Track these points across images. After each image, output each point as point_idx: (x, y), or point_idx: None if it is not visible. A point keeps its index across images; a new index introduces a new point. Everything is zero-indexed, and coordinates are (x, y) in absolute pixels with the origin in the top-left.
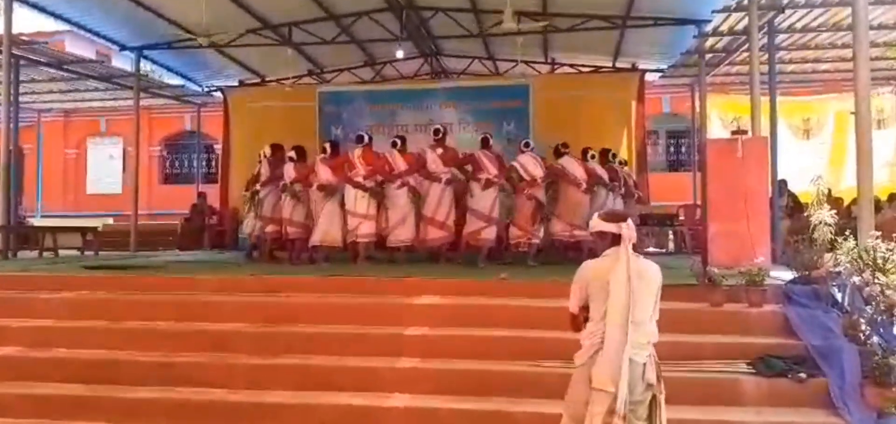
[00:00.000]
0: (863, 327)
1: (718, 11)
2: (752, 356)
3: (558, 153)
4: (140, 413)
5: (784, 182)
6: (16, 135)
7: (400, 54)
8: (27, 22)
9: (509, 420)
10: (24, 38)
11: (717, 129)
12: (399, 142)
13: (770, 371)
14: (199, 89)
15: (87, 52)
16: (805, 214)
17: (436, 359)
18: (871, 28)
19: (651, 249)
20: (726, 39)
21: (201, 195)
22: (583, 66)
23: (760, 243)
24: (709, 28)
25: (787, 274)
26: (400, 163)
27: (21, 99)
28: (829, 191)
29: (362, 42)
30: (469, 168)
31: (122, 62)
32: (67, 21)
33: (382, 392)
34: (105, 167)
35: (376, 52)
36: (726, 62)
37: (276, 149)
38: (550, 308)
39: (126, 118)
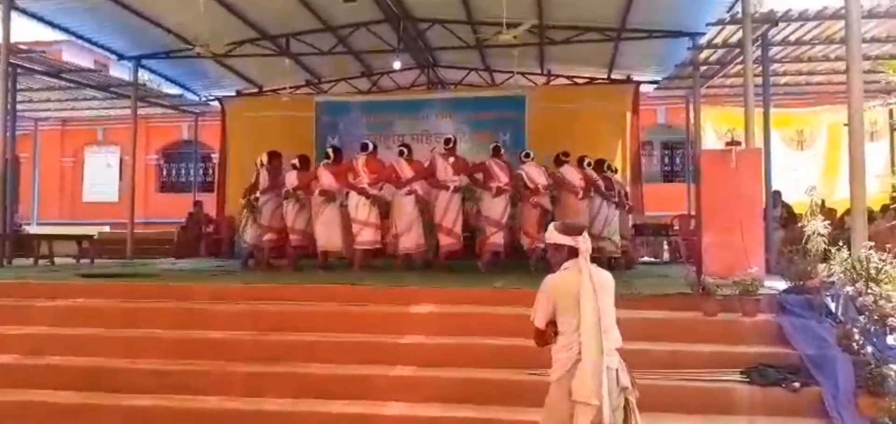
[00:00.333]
0: (856, 337)
1: (712, 24)
2: (746, 365)
3: (559, 162)
4: (136, 421)
5: (778, 193)
6: (13, 143)
7: (397, 65)
8: (25, 31)
9: None
10: (21, 46)
11: (711, 141)
12: (405, 150)
13: (764, 380)
14: (197, 99)
15: (84, 61)
16: (799, 225)
17: (432, 368)
18: (864, 41)
19: (646, 259)
20: (720, 52)
21: (198, 203)
22: (578, 77)
23: (754, 253)
24: (703, 40)
25: (781, 284)
26: (407, 171)
27: (18, 107)
28: (823, 201)
29: (359, 53)
30: (479, 176)
31: (119, 71)
32: (65, 30)
33: (378, 400)
34: (102, 175)
35: (373, 63)
36: (720, 74)
37: (273, 156)
38: None
39: (123, 127)
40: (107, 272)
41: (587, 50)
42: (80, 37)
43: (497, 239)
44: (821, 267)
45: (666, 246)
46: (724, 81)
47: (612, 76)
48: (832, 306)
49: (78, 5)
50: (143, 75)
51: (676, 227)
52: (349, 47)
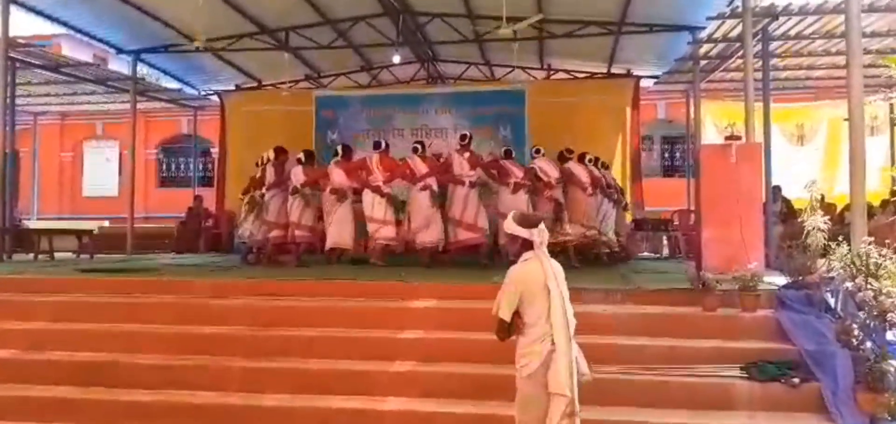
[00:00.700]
0: (856, 332)
1: (713, 18)
2: (745, 361)
3: (563, 158)
4: (136, 416)
5: (778, 187)
6: (12, 137)
7: (396, 59)
8: (24, 25)
9: None
10: (20, 41)
11: (711, 135)
12: (420, 147)
13: (763, 375)
14: (196, 93)
15: (83, 55)
16: (798, 220)
17: (431, 363)
18: (865, 35)
19: (646, 254)
20: (720, 46)
21: (197, 198)
22: (578, 71)
23: (754, 248)
24: (703, 35)
25: (781, 280)
26: (421, 167)
27: (17, 101)
28: (823, 196)
29: (359, 47)
30: (494, 173)
31: (118, 65)
32: (64, 24)
33: (377, 395)
34: (101, 170)
35: (373, 57)
36: (721, 68)
37: (280, 152)
38: None
39: (122, 121)
40: (106, 267)
41: (587, 44)
42: (79, 31)
43: None
44: (820, 262)
45: (665, 242)
46: (725, 76)
47: (612, 70)
48: (832, 301)
49: None
50: (142, 69)
51: (676, 222)
52: (349, 41)
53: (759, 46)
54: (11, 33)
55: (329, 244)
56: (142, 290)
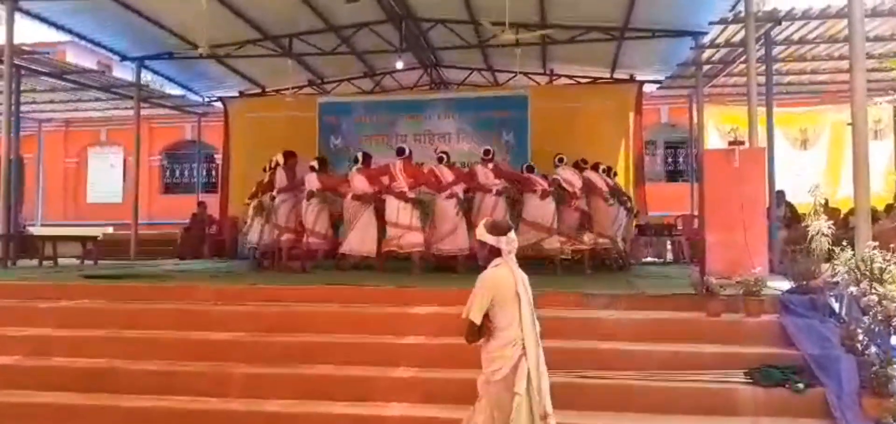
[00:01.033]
0: (860, 337)
1: (716, 23)
2: (749, 366)
3: (579, 167)
4: (138, 421)
5: (781, 192)
6: (17, 144)
7: (399, 65)
8: (29, 32)
9: None
10: (25, 48)
11: (714, 140)
12: (445, 156)
13: (768, 380)
14: (200, 99)
15: (87, 62)
16: (802, 224)
17: (433, 369)
18: (868, 40)
19: (649, 259)
20: (723, 51)
21: (201, 204)
22: (581, 76)
23: (758, 253)
24: (706, 40)
25: (785, 284)
26: (447, 175)
27: (22, 108)
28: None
29: (362, 53)
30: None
31: (122, 72)
32: (69, 32)
33: (379, 401)
34: (105, 176)
35: (376, 63)
36: (724, 73)
37: (289, 155)
38: (550, 317)
39: (126, 128)
40: (110, 273)
41: (590, 49)
42: (83, 38)
43: (551, 243)
44: (824, 266)
45: (669, 247)
46: (728, 80)
47: (615, 75)
48: (836, 306)
49: (81, 6)
50: (146, 76)
51: (680, 227)
52: (352, 47)
53: (762, 51)
54: (16, 41)
55: (346, 249)
56: (145, 296)
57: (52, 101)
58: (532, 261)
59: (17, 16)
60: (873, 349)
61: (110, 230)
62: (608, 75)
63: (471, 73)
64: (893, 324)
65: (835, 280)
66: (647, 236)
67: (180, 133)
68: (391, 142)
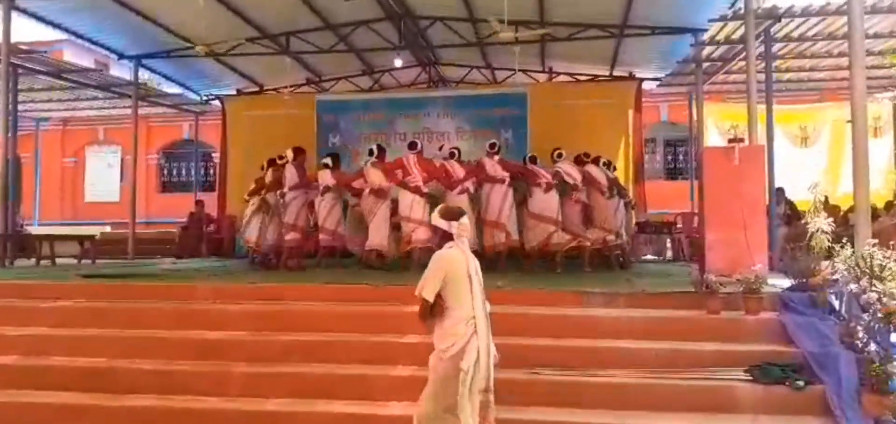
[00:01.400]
0: (860, 334)
1: (715, 20)
2: (749, 363)
3: (580, 161)
4: (137, 421)
5: (781, 189)
6: (14, 143)
7: (398, 63)
8: (26, 31)
9: None
10: (22, 47)
11: (714, 137)
12: (456, 152)
13: (767, 378)
14: (198, 98)
15: (85, 60)
16: (802, 222)
17: None
18: (867, 37)
19: (649, 257)
20: (723, 48)
21: (199, 203)
22: (580, 74)
23: (758, 251)
24: (706, 37)
25: (785, 282)
26: (459, 171)
27: (19, 107)
28: (826, 198)
29: (360, 51)
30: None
31: (120, 71)
32: (66, 30)
33: (379, 400)
34: (103, 175)
35: (374, 61)
36: (723, 70)
37: (299, 151)
38: (548, 315)
39: (124, 127)
40: (108, 272)
41: (589, 47)
42: (81, 36)
43: (559, 237)
44: (824, 264)
45: (669, 244)
46: (727, 78)
47: (615, 73)
48: (836, 303)
49: (78, 5)
50: (144, 74)
51: (679, 225)
52: (350, 45)
53: (762, 48)
54: (13, 39)
55: (371, 245)
56: (143, 296)
57: (49, 100)
58: (537, 261)
59: (14, 14)
60: (873, 346)
61: (108, 229)
62: (607, 73)
63: (470, 71)
64: (893, 321)
65: (835, 277)
66: (646, 234)
67: (178, 131)
68: (390, 140)
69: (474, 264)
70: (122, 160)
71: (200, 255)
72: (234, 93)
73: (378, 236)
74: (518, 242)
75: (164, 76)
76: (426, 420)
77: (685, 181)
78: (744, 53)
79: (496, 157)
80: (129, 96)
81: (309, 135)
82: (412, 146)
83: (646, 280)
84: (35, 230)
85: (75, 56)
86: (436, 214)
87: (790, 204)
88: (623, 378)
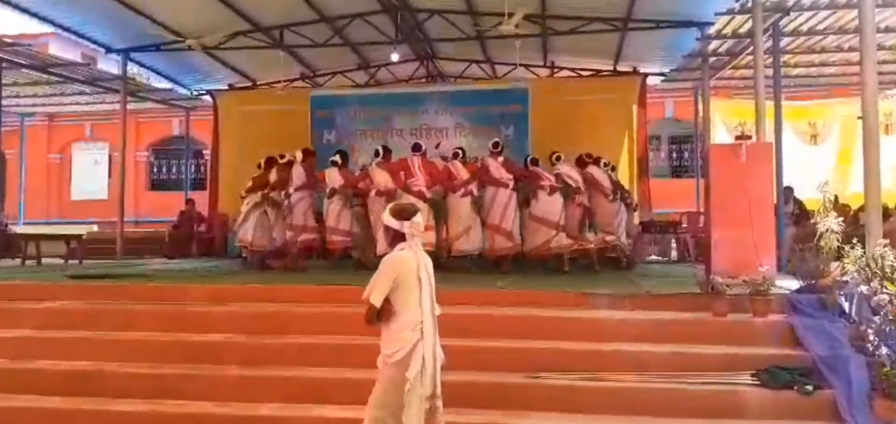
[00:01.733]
0: (871, 337)
1: (722, 13)
2: (756, 367)
3: (582, 163)
4: None
5: (790, 188)
6: None
7: (395, 57)
8: (11, 23)
9: None
10: (7, 40)
11: (721, 134)
12: (461, 152)
13: (775, 382)
14: (188, 93)
15: (72, 54)
16: (811, 221)
17: None
18: (879, 31)
19: (653, 257)
20: (730, 42)
21: (190, 201)
22: (583, 69)
23: (765, 251)
24: (712, 30)
25: (793, 283)
26: (462, 173)
27: (4, 102)
28: (836, 197)
29: (356, 45)
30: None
31: (108, 65)
32: (52, 23)
33: None
34: (90, 173)
35: (370, 55)
36: (730, 65)
37: (308, 153)
38: (550, 317)
39: (112, 122)
40: (96, 273)
41: (592, 41)
42: (68, 29)
43: (560, 240)
44: (834, 265)
45: (674, 245)
46: (734, 73)
47: (618, 68)
48: (846, 306)
49: None
50: (133, 69)
51: (685, 224)
52: (345, 39)
53: (770, 42)
54: None
55: (380, 250)
56: (132, 297)
57: (35, 95)
58: (540, 262)
59: None
60: (884, 349)
61: (95, 228)
62: (611, 68)
63: (469, 66)
64: None
65: (845, 279)
66: (651, 234)
67: (168, 128)
68: (387, 136)
69: (426, 265)
70: (109, 157)
71: (191, 255)
72: (226, 88)
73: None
74: (520, 246)
75: (154, 70)
76: None
77: (690, 179)
78: (751, 48)
79: (500, 158)
80: (117, 91)
81: (303, 132)
82: (416, 148)
83: (650, 281)
84: (20, 229)
85: (62, 49)
86: (386, 213)
87: (799, 203)
88: (626, 382)
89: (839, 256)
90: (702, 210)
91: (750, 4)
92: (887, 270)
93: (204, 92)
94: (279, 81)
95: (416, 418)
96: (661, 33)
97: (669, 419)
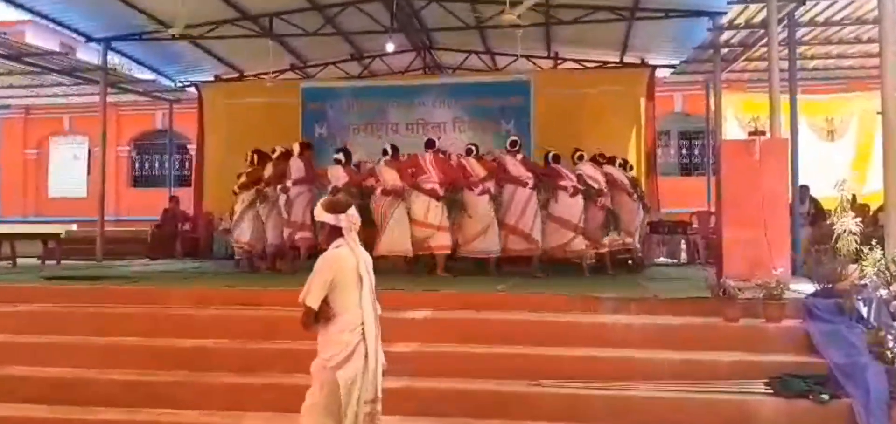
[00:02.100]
0: (890, 344)
1: (734, 2)
2: (770, 375)
3: (597, 162)
4: None
5: (805, 187)
6: None
7: (390, 47)
8: None
9: None
10: None
11: (733, 130)
12: (474, 148)
13: (789, 391)
14: (172, 84)
15: (49, 43)
16: (828, 222)
17: (426, 379)
18: None
19: (662, 259)
20: (743, 33)
21: (174, 199)
22: (588, 60)
23: (780, 253)
24: (724, 20)
25: (809, 287)
26: (478, 170)
27: None
28: (854, 196)
29: (349, 34)
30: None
31: (87, 55)
32: (28, 10)
33: None
34: (69, 168)
35: (364, 45)
36: (743, 57)
37: (306, 146)
38: (553, 322)
39: (92, 115)
40: (75, 274)
41: (598, 31)
42: (45, 17)
43: (578, 244)
44: (852, 267)
45: (683, 246)
46: (748, 65)
47: (625, 59)
48: (864, 310)
49: None
50: (113, 59)
51: (695, 225)
52: (338, 28)
53: (786, 33)
54: None
55: (383, 250)
56: (114, 300)
57: (10, 86)
58: (556, 265)
59: None
60: None
61: (74, 227)
62: (617, 59)
63: (468, 57)
64: None
65: (863, 282)
66: (660, 234)
67: (151, 121)
68: (381, 131)
69: (365, 262)
70: (89, 152)
71: (175, 256)
72: (212, 79)
73: (392, 240)
74: (538, 248)
75: (136, 61)
76: None
77: (701, 177)
78: (765, 38)
79: (518, 156)
80: (98, 82)
81: (293, 126)
82: (430, 144)
83: (658, 284)
84: None
85: (39, 38)
86: (319, 208)
87: (815, 202)
88: (633, 390)
89: (857, 258)
90: (713, 209)
91: None
92: None
93: (189, 83)
94: (268, 72)
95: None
96: (670, 23)
97: None
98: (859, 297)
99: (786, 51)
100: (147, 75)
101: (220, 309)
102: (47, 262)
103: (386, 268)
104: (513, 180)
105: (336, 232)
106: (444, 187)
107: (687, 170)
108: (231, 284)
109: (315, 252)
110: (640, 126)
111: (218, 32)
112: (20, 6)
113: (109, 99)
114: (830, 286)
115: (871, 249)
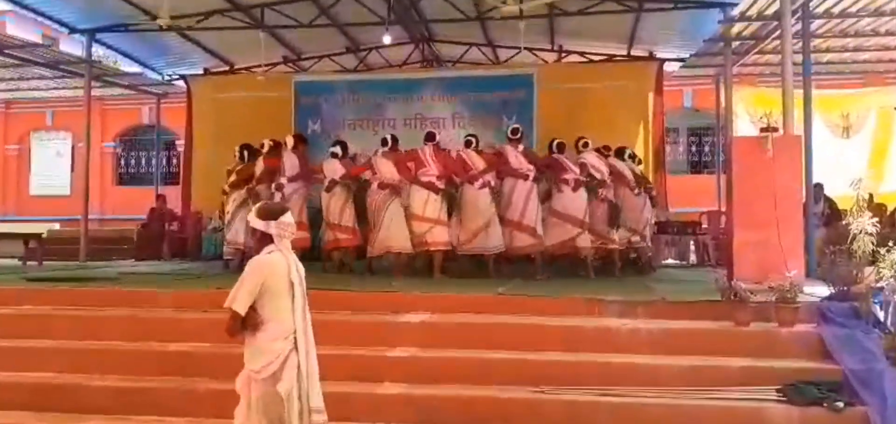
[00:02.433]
0: None
1: None
2: (782, 381)
3: (601, 154)
4: None
5: (820, 186)
6: None
7: (387, 40)
8: None
9: None
10: None
11: (744, 126)
12: (474, 140)
13: (803, 398)
14: (160, 78)
15: (31, 35)
16: (843, 222)
17: (424, 385)
18: None
19: (670, 261)
20: (755, 25)
21: (161, 198)
22: (593, 54)
23: (793, 254)
24: (736, 12)
25: (823, 290)
26: (478, 162)
27: None
28: (871, 195)
29: (344, 25)
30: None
31: (71, 47)
32: (10, 0)
33: (364, 421)
34: (51, 165)
35: (360, 37)
36: (755, 50)
37: (300, 140)
38: (556, 326)
39: (76, 110)
40: (57, 275)
41: (604, 23)
42: (27, 7)
43: (583, 241)
44: (868, 270)
45: (693, 247)
46: (760, 59)
47: (633, 52)
48: (881, 314)
49: None
50: (98, 51)
51: (705, 225)
52: (333, 19)
53: (799, 25)
54: None
55: (381, 249)
56: (98, 302)
57: None
58: (561, 263)
59: None
60: None
61: (57, 227)
62: (624, 52)
63: (468, 50)
64: None
65: (880, 285)
66: (668, 235)
67: (137, 116)
68: (378, 126)
69: (297, 268)
70: (72, 148)
71: (162, 256)
72: (201, 72)
73: (388, 236)
74: (542, 243)
75: (122, 53)
76: None
77: (711, 175)
78: (778, 31)
79: (520, 146)
80: (82, 75)
81: (285, 121)
82: (430, 137)
83: (666, 286)
84: None
85: (20, 29)
86: (252, 214)
87: (830, 201)
88: (640, 397)
89: (874, 260)
90: (723, 209)
91: None
92: None
93: (177, 77)
94: (259, 65)
95: None
96: (679, 15)
97: None
98: (876, 301)
99: (799, 44)
100: (133, 68)
101: (208, 311)
102: (29, 263)
103: (382, 268)
104: (513, 173)
105: (267, 238)
106: (444, 180)
107: (696, 167)
108: (220, 286)
109: (307, 254)
110: (647, 122)
111: (207, 23)
112: None
113: (94, 93)
114: (845, 289)
115: (888, 251)
